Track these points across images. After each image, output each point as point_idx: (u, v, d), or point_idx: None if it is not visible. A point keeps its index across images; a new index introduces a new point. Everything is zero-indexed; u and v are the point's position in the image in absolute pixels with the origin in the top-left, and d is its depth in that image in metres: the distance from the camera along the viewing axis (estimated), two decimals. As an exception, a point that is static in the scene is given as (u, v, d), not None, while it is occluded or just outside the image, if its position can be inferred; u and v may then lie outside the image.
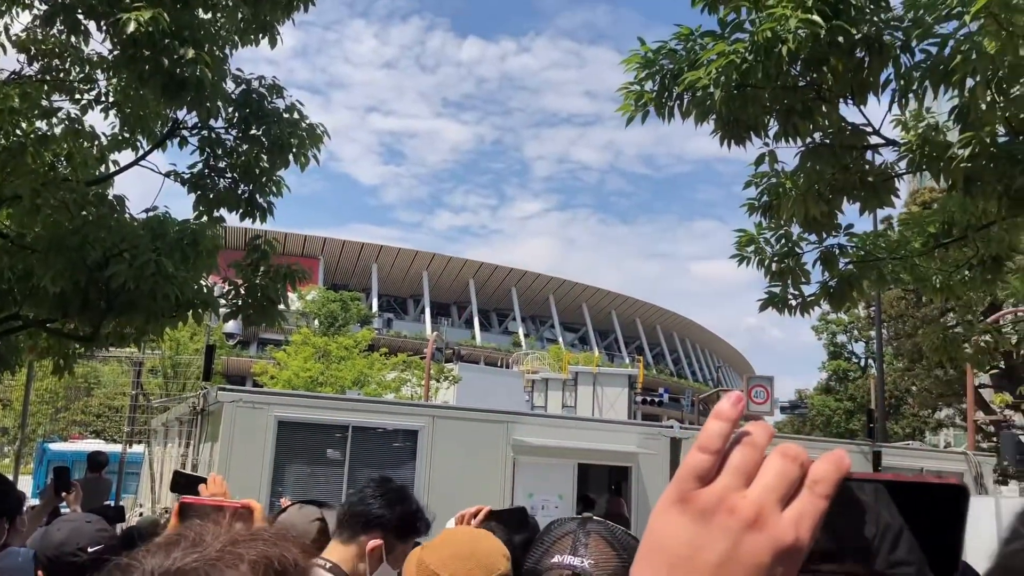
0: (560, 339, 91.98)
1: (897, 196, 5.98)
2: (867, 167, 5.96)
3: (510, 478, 14.82)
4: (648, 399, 49.67)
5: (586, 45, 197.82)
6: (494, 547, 2.37)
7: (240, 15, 9.43)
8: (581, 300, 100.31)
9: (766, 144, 5.86)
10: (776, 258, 7.28)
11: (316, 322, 56.57)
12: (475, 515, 2.77)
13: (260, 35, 9.96)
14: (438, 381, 42.80)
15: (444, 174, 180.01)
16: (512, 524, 2.73)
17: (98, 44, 8.64)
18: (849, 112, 5.70)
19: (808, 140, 5.81)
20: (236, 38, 9.60)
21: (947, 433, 53.22)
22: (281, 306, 9.07)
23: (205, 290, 8.40)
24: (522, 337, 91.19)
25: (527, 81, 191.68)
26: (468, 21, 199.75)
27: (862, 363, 60.18)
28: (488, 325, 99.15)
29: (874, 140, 5.77)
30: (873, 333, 58.71)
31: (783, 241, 7.28)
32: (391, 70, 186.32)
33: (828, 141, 5.80)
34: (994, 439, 33.37)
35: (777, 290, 7.59)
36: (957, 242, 6.04)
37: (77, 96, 10.52)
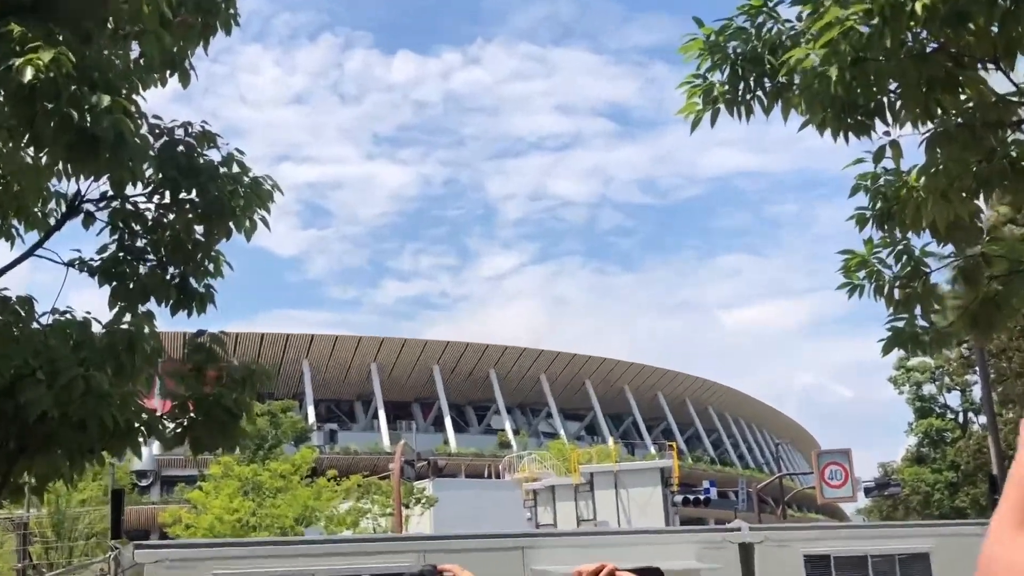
0: (561, 431, 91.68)
1: (1060, 184, 6.13)
2: (1015, 150, 6.10)
3: (533, 622, 14.68)
4: (690, 497, 49.52)
5: (551, 47, 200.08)
6: None
7: (137, 50, 9.56)
8: (583, 377, 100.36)
9: (886, 134, 6.01)
10: (899, 282, 7.39)
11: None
12: (595, 573, 2.75)
13: (168, 72, 10.10)
14: (407, 507, 42.38)
15: (385, 231, 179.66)
16: None
17: None
18: (993, 80, 5.86)
19: (936, 122, 5.95)
20: (135, 79, 9.71)
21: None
22: (244, 421, 9.01)
23: (144, 410, 8.34)
24: (511, 435, 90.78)
25: (481, 100, 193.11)
26: (395, 33, 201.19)
27: (960, 418, 60.44)
28: (464, 424, 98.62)
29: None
30: (970, 377, 59.16)
31: (904, 259, 7.40)
32: (302, 105, 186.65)
33: (961, 121, 5.94)
34: None
35: (903, 324, 7.66)
36: None
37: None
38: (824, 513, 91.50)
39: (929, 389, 59.22)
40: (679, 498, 48.82)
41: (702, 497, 49.63)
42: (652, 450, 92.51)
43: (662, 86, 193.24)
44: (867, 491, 47.85)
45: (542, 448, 73.98)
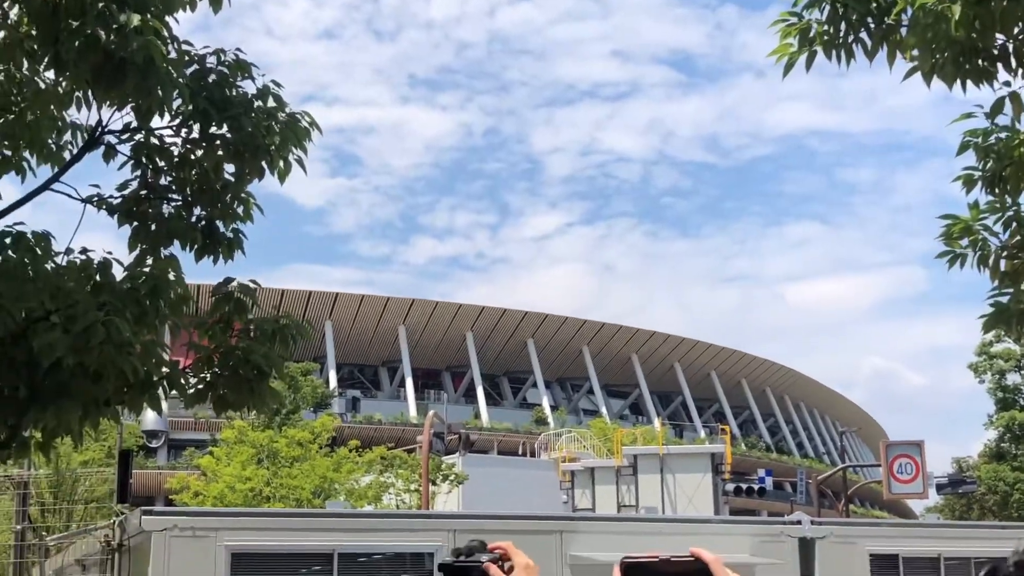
0: (603, 409, 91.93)
1: None
2: None
3: (569, 613, 14.77)
4: (742, 487, 49.50)
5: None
6: None
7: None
8: (629, 352, 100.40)
9: (1007, 84, 5.90)
10: (1006, 252, 7.29)
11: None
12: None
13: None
14: (434, 483, 42.68)
15: (419, 184, 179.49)
16: None
17: None
18: None
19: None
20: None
21: None
22: (274, 379, 9.04)
23: (166, 362, 8.40)
24: (548, 410, 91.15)
25: (529, 42, 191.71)
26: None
27: (1047, 411, 59.87)
28: (498, 397, 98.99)
29: None
30: (1059, 367, 58.61)
31: (1014, 226, 7.30)
32: (333, 41, 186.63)
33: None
34: None
35: (1008, 299, 7.55)
36: None
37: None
38: (890, 510, 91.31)
39: (1014, 379, 58.52)
40: (731, 487, 48.78)
41: (756, 487, 49.59)
42: (702, 434, 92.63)
43: (732, 32, 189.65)
44: (939, 488, 47.53)
45: (582, 426, 74.19)
